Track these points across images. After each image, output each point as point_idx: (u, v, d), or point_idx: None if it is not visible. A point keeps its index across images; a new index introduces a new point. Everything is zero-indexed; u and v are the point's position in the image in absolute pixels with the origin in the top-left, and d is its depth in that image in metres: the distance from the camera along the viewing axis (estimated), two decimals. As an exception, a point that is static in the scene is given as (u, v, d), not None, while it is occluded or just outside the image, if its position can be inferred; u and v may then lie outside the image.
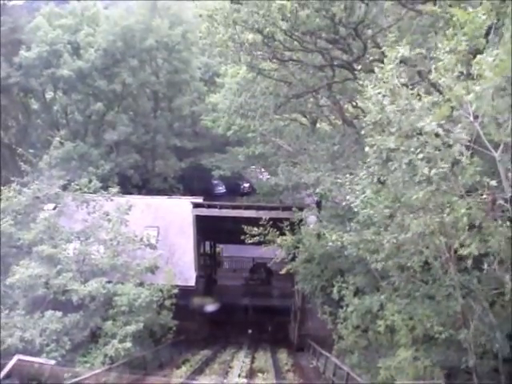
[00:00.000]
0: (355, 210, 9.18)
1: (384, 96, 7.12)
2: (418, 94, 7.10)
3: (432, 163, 6.54)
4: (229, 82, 32.32)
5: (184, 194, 45.06)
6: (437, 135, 6.48)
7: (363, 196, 8.50)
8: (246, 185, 51.88)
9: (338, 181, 11.49)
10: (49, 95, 42.66)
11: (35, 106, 44.27)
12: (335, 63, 15.73)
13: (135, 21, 38.84)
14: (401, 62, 7.47)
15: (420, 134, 6.58)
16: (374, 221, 8.98)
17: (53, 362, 12.35)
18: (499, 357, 8.46)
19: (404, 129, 6.82)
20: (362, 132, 8.38)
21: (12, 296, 19.54)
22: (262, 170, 44.51)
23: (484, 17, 6.51)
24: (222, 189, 53.14)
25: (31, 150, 27.81)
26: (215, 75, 42.21)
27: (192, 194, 45.05)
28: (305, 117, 30.05)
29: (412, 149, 6.63)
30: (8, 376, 10.95)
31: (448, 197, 6.82)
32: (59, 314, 17.99)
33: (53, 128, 42.83)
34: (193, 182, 46.58)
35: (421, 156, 6.58)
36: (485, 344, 8.68)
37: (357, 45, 13.60)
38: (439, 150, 6.53)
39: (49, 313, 17.83)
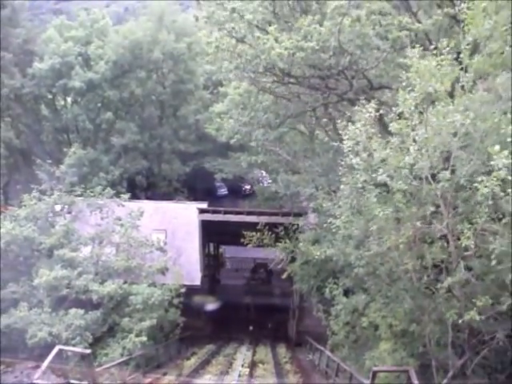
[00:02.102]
0: (333, 230, 11.30)
1: (354, 148, 9.19)
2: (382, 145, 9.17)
3: (382, 206, 8.62)
4: (232, 93, 34.24)
5: (188, 197, 47.05)
6: (386, 185, 8.56)
7: (340, 220, 10.59)
8: (248, 187, 53.53)
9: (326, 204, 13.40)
10: (60, 103, 44.59)
11: (45, 112, 46.15)
12: (328, 89, 17.70)
13: (143, 34, 40.93)
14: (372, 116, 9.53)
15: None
16: (353, 236, 11.01)
17: (88, 351, 14.27)
18: (449, 347, 10.47)
19: (367, 173, 8.91)
20: (340, 173, 10.50)
21: (37, 295, 21.65)
22: (264, 174, 46.41)
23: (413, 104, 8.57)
24: (224, 191, 54.90)
25: (49, 161, 29.65)
26: (219, 83, 44.04)
27: (195, 195, 47.08)
28: (304, 125, 31.91)
29: (372, 195, 8.76)
30: (49, 365, 12.94)
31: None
32: (81, 311, 20.07)
33: (63, 135, 45.05)
34: (196, 184, 48.42)
35: (375, 200, 8.66)
36: (438, 336, 10.73)
37: (345, 82, 15.67)
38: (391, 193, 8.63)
39: (73, 310, 19.92)
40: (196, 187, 48.96)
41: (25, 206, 25.09)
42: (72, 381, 13.19)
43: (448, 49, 8.84)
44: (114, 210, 26.01)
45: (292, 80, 18.92)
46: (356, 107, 10.42)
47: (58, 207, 26.23)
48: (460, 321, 8.66)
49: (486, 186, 7.19)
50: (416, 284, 9.95)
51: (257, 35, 14.30)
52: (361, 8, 13.02)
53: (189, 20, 44.41)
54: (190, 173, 47.09)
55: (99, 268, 23.28)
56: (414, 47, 13.67)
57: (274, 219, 26.31)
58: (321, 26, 15.19)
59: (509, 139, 7.34)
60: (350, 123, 10.14)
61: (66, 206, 26.15)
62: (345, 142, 9.79)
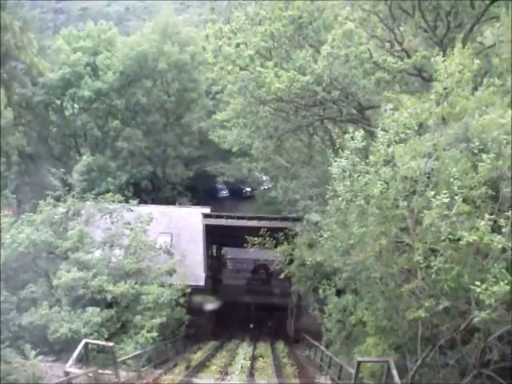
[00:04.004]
0: (321, 242, 13.26)
1: (340, 175, 11.17)
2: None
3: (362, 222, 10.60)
4: (233, 102, 36.08)
5: (191, 199, 49.08)
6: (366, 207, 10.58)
7: (327, 233, 12.56)
8: (248, 189, 55.45)
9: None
10: (69, 112, 46.47)
11: (54, 118, 47.93)
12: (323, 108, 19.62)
13: (149, 46, 42.90)
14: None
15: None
16: (338, 247, 12.91)
17: (111, 343, 16.09)
18: (418, 340, 12.33)
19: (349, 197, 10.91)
20: (327, 196, 12.46)
21: (55, 295, 23.52)
22: (264, 177, 48.27)
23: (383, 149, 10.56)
24: (225, 193, 56.82)
25: (63, 170, 31.38)
26: (221, 90, 45.81)
27: (197, 197, 49.09)
28: (302, 134, 33.70)
29: (353, 215, 10.75)
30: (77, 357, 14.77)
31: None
32: (97, 309, 21.98)
33: (71, 140, 46.95)
34: (198, 186, 50.40)
35: (354, 220, 10.61)
36: (408, 330, 12.64)
37: (337, 108, 17.64)
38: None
39: (90, 308, 21.82)
40: (198, 189, 50.93)
41: (40, 211, 26.95)
42: (99, 371, 14.98)
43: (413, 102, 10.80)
44: (123, 214, 27.86)
45: (290, 100, 20.85)
46: (345, 135, 12.28)
47: (71, 212, 28.09)
48: (411, 317, 10.63)
49: (430, 216, 9.22)
50: (389, 287, 11.89)
51: (258, 69, 16.24)
52: (350, 53, 14.95)
53: (192, 30, 46.41)
54: (192, 176, 49.01)
55: (111, 270, 25.13)
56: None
57: (273, 224, 27.98)
58: (318, 52, 17.18)
59: (451, 179, 9.33)
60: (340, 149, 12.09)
61: (72, 209, 27.88)
62: (333, 170, 11.74)
